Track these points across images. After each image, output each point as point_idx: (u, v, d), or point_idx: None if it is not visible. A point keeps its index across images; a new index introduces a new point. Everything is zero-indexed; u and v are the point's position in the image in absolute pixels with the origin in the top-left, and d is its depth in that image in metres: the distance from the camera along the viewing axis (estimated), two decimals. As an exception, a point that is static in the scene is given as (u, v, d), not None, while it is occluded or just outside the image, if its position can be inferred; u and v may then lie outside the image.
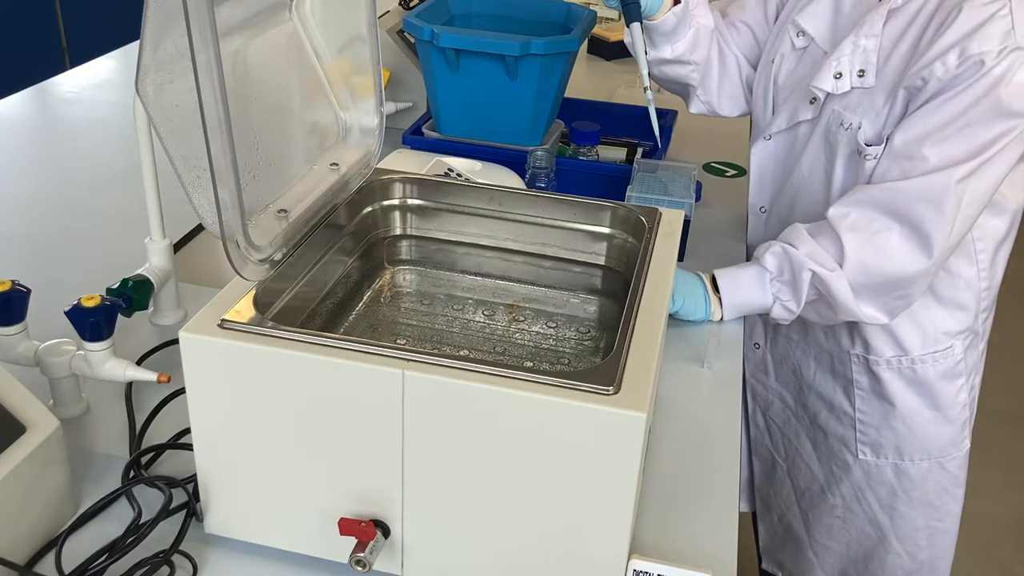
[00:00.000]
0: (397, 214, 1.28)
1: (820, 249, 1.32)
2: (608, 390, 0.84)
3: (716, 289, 1.40)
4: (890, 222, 1.30)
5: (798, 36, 1.47)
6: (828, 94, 1.39)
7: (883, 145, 1.33)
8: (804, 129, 1.47)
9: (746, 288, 1.38)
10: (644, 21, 1.46)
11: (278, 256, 1.01)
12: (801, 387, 1.65)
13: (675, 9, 1.48)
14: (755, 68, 1.62)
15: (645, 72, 1.45)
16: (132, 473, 1.07)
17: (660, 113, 2.02)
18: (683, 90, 1.66)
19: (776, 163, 1.55)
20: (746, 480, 1.84)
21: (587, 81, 2.53)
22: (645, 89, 1.44)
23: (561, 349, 1.21)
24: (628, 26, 1.44)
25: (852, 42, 1.36)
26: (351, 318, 1.21)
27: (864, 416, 1.56)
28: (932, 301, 1.46)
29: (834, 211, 1.33)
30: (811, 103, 1.43)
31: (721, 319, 1.41)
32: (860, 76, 1.35)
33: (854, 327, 1.51)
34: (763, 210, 1.61)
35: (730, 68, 1.63)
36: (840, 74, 1.36)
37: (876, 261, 1.31)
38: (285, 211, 1.06)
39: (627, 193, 1.62)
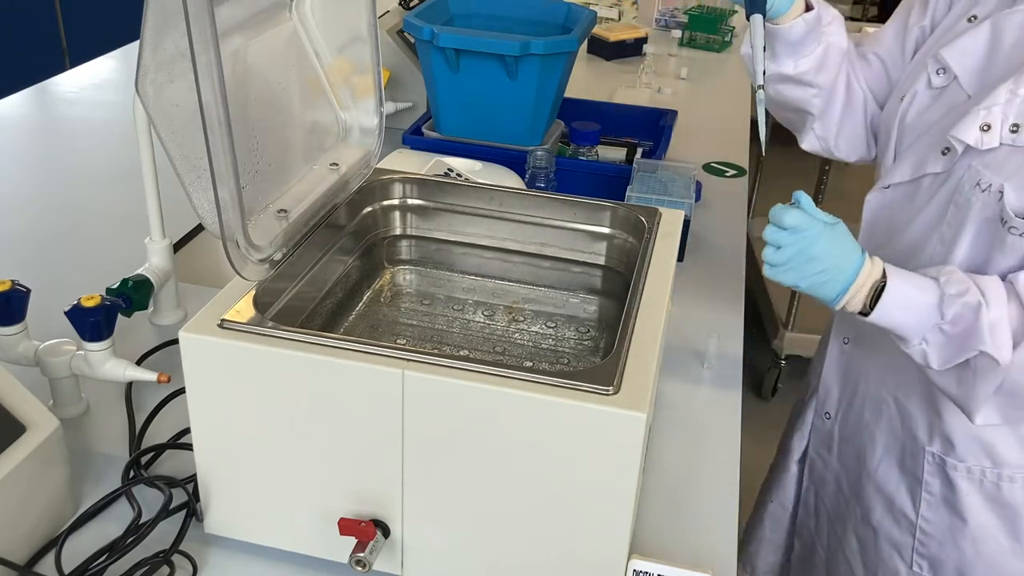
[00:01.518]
0: (397, 214, 1.28)
1: (1006, 322, 1.06)
2: (608, 390, 0.84)
3: (875, 286, 1.09)
4: None
5: (938, 73, 1.22)
6: (968, 147, 1.13)
7: None
8: (929, 183, 1.21)
9: (911, 314, 1.09)
10: (768, 24, 1.23)
11: (278, 256, 1.01)
12: (861, 474, 1.40)
13: (806, 16, 1.24)
14: (883, 109, 1.36)
15: (760, 70, 1.18)
16: (132, 473, 1.07)
17: (659, 113, 2.03)
18: (797, 119, 1.40)
19: (889, 217, 1.28)
20: (781, 559, 1.66)
21: (587, 81, 2.54)
22: (759, 87, 1.18)
23: (561, 349, 1.21)
24: (748, 18, 1.17)
25: (1010, 90, 1.11)
26: (351, 318, 1.21)
27: (928, 526, 1.30)
28: None
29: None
30: (943, 154, 1.17)
31: (844, 309, 1.11)
32: (1013, 132, 1.10)
33: (935, 419, 1.26)
34: None
35: (856, 103, 1.37)
36: (989, 126, 1.11)
37: None
38: (285, 211, 1.06)
39: (627, 193, 1.62)
